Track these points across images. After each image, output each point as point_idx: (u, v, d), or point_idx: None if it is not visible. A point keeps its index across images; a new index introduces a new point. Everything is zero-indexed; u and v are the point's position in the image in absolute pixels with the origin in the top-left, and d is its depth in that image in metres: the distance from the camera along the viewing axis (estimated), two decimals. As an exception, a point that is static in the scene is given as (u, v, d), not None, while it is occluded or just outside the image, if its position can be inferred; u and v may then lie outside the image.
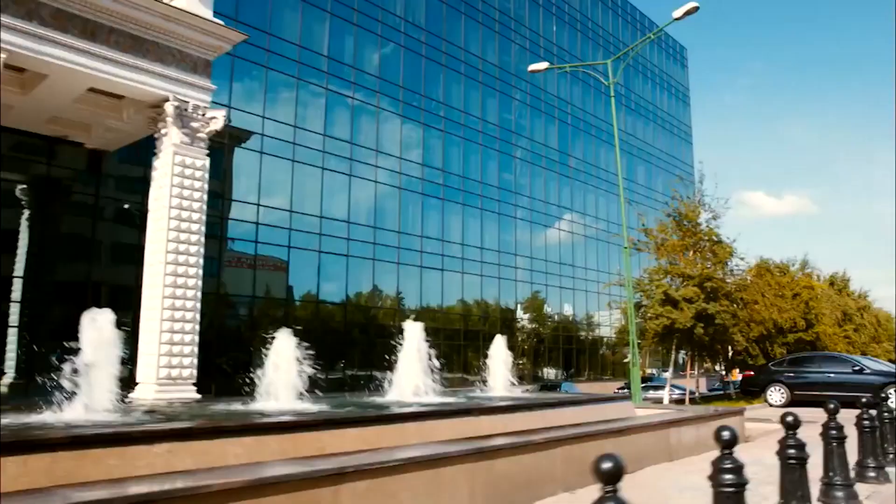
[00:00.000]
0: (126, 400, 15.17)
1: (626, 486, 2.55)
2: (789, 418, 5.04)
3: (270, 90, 27.55)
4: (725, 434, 3.80)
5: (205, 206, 16.66)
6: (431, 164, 34.65)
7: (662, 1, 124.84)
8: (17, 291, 21.76)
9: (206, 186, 16.73)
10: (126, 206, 23.72)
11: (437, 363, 11.33)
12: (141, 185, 23.25)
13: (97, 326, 7.39)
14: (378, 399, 11.28)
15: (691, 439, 8.99)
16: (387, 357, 12.09)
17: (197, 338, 16.16)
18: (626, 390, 31.51)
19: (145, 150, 22.28)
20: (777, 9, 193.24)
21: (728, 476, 3.71)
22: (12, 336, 21.50)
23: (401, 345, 11.50)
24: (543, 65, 22.18)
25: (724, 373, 43.99)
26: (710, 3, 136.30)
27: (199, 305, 16.25)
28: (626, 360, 55.22)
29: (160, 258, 15.90)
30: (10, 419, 6.35)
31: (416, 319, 12.31)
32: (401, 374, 11.80)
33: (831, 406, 6.21)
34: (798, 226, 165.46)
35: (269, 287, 28.14)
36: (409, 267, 32.58)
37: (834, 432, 6.02)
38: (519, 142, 41.09)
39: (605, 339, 50.71)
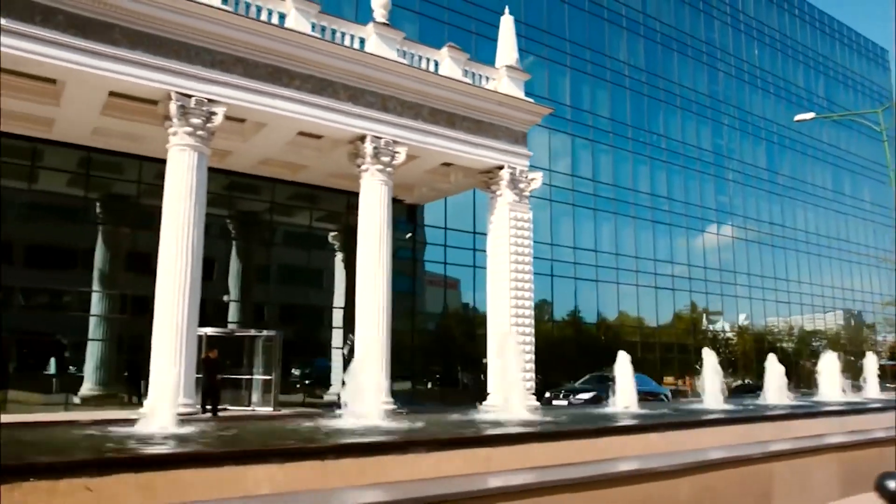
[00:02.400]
0: (479, 406, 19.41)
1: None
2: None
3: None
4: None
5: (532, 250, 20.70)
6: (658, 193, 37.56)
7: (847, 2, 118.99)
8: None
9: (531, 234, 20.79)
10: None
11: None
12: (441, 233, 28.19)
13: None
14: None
15: None
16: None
17: (533, 355, 20.11)
18: None
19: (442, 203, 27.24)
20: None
21: None
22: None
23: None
24: (810, 115, 24.30)
25: None
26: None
27: (532, 329, 20.24)
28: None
29: (504, 293, 20.05)
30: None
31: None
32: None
33: None
34: None
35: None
36: (645, 288, 35.67)
37: None
38: (730, 164, 42.90)
39: (801, 351, 50.62)
